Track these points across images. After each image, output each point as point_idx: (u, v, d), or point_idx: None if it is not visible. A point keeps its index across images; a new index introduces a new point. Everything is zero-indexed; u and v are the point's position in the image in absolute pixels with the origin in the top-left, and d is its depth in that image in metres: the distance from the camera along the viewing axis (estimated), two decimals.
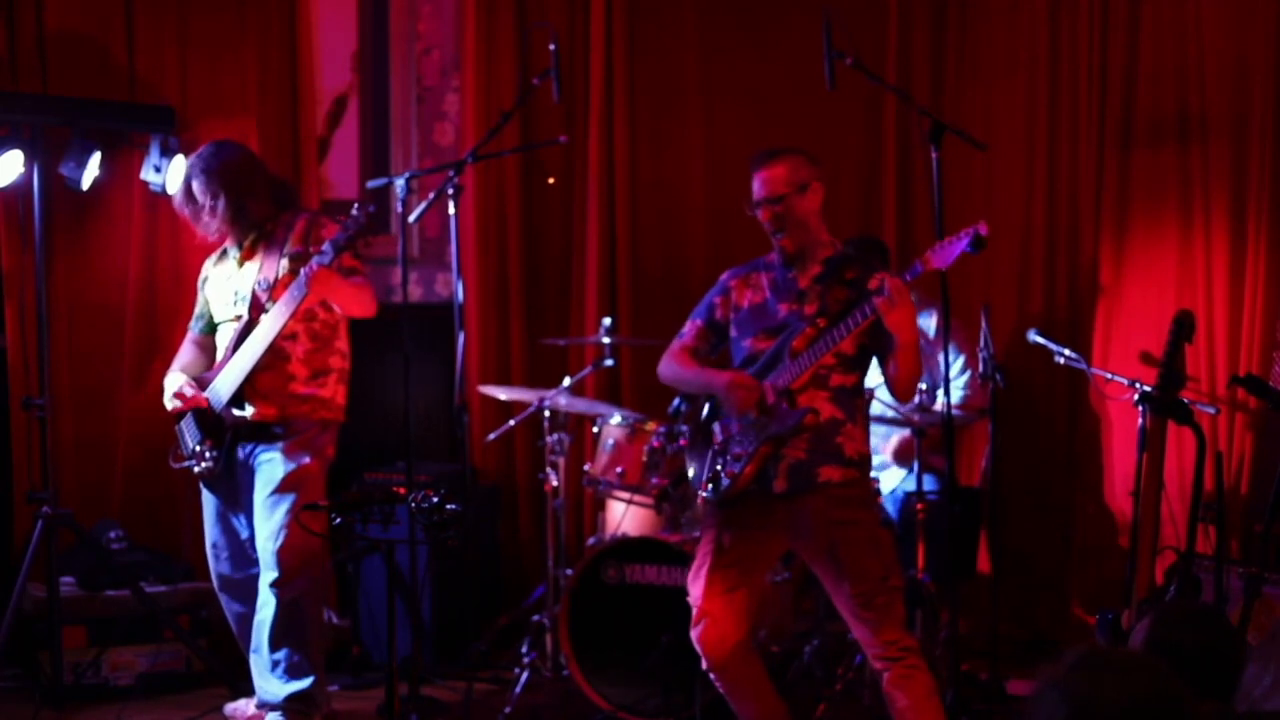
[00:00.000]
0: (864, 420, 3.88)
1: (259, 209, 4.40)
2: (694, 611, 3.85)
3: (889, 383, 3.79)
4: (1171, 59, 5.23)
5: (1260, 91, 5.00)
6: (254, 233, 4.42)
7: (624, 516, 4.95)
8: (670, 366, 4.03)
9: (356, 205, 4.16)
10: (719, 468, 3.83)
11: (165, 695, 4.87)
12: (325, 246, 4.13)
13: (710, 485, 3.86)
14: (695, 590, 3.85)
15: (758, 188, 3.86)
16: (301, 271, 4.16)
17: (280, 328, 4.23)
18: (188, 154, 5.13)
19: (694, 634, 3.85)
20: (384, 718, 4.44)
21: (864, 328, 3.66)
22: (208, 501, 4.51)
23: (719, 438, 3.87)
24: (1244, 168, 5.05)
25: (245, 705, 4.57)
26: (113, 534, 5.07)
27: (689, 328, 4.04)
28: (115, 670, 4.88)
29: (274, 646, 4.33)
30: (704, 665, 3.86)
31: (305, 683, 4.34)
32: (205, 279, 4.58)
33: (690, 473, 4.01)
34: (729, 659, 3.82)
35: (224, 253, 4.53)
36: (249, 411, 4.32)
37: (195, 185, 4.39)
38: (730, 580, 3.81)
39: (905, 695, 3.69)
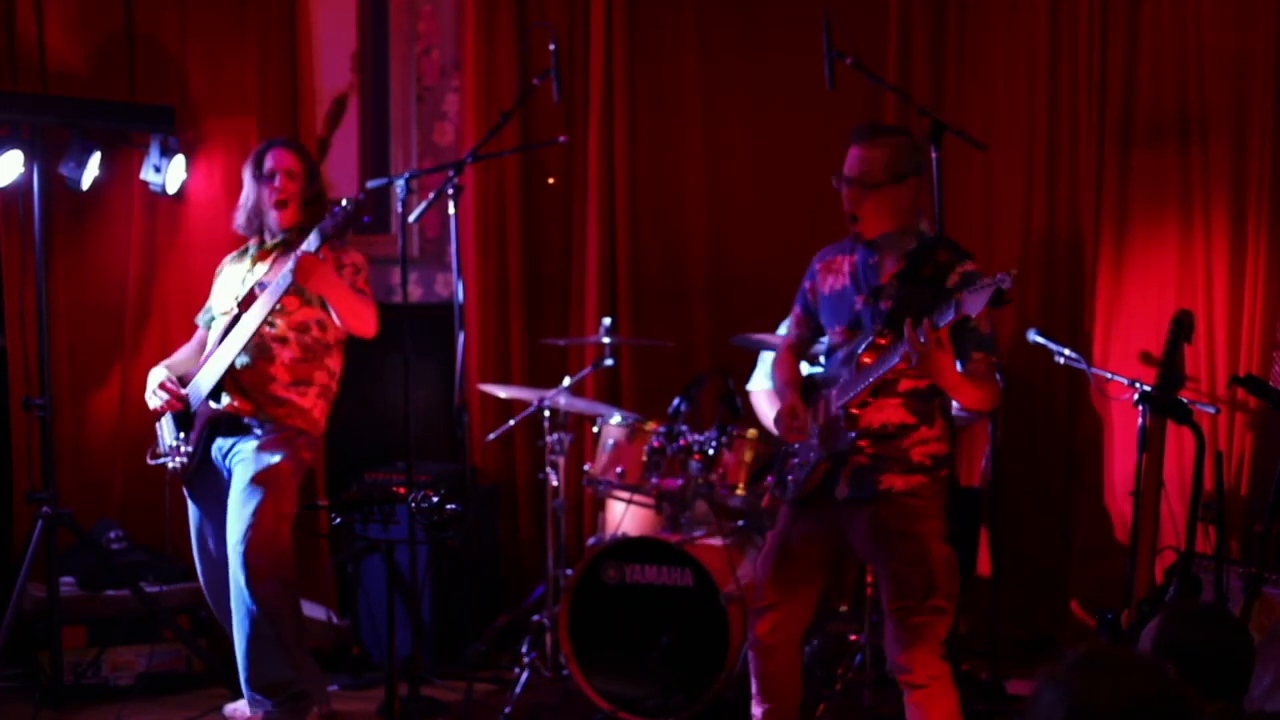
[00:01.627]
0: (944, 418, 3.72)
1: (321, 205, 4.40)
2: (756, 599, 3.84)
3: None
4: (1171, 59, 5.23)
5: (1260, 91, 5.00)
6: (281, 237, 4.41)
7: (624, 516, 4.95)
8: (775, 366, 3.98)
9: (346, 198, 4.16)
10: (787, 469, 3.83)
11: (165, 695, 4.87)
12: (312, 234, 4.10)
13: (779, 485, 3.86)
14: (760, 575, 3.85)
15: (850, 164, 3.69)
16: (290, 258, 4.13)
17: (264, 314, 4.19)
18: (188, 154, 5.15)
19: (752, 615, 3.85)
20: (384, 718, 4.44)
21: None
22: (191, 511, 4.50)
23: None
24: (1244, 168, 5.05)
25: (245, 705, 4.57)
26: (113, 534, 5.07)
27: (791, 317, 3.98)
28: (115, 670, 4.88)
29: (247, 653, 4.27)
30: (751, 640, 3.85)
31: (282, 690, 4.27)
32: (220, 271, 4.57)
33: (774, 469, 3.96)
34: (779, 646, 3.81)
35: (244, 252, 4.53)
36: (224, 402, 4.29)
37: (282, 151, 4.39)
38: (794, 574, 3.80)
39: (923, 716, 3.65)
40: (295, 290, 4.24)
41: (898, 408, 3.65)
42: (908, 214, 3.71)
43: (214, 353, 4.35)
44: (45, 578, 4.72)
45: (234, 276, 4.48)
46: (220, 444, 4.37)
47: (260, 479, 4.25)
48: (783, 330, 4.00)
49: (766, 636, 3.81)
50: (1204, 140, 5.15)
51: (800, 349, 3.97)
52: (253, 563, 4.20)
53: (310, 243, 4.11)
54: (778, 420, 3.81)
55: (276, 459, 4.28)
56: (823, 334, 3.92)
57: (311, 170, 4.45)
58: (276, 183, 4.37)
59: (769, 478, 3.95)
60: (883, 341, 3.60)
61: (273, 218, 4.41)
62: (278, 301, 4.20)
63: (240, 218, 4.48)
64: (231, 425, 4.33)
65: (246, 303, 4.32)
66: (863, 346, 3.64)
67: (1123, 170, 5.37)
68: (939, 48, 5.78)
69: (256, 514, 4.22)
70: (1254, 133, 5.02)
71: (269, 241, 4.45)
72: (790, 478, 3.80)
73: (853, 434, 3.64)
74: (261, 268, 4.40)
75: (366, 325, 4.33)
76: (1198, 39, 5.13)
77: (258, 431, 4.31)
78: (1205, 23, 5.12)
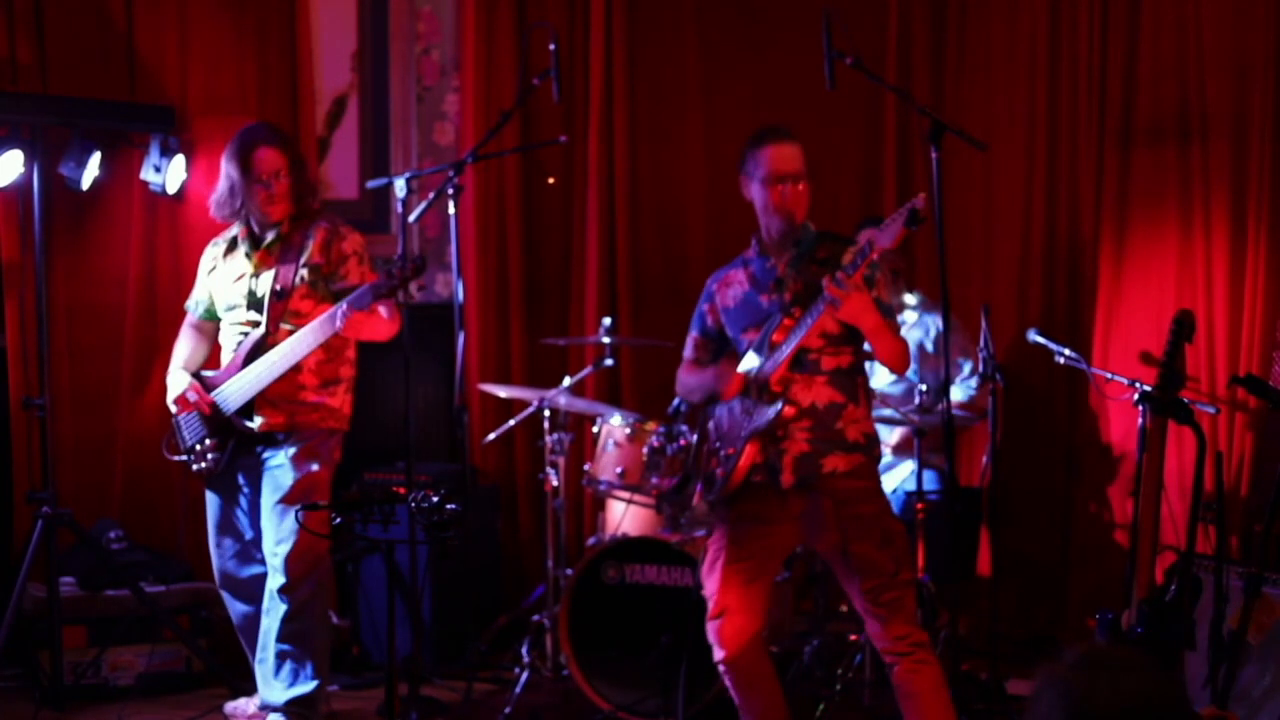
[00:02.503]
0: (866, 398, 3.86)
1: (310, 198, 4.39)
2: (710, 605, 3.86)
3: (875, 357, 3.79)
4: (1171, 59, 5.23)
5: (1260, 91, 5.00)
6: (273, 233, 4.39)
7: (624, 516, 4.95)
8: (680, 383, 4.09)
9: (402, 255, 4.15)
10: (713, 468, 3.86)
11: (165, 695, 4.87)
12: (365, 291, 4.09)
13: (705, 485, 3.89)
14: (711, 584, 3.86)
15: (785, 162, 3.81)
16: (338, 312, 4.13)
17: (305, 354, 4.23)
18: (188, 154, 5.15)
19: (710, 627, 3.86)
20: (384, 718, 4.44)
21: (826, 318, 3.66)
22: (211, 500, 4.50)
23: (712, 438, 3.91)
24: (1244, 168, 5.05)
25: (245, 705, 4.58)
26: (113, 534, 5.07)
27: (688, 341, 4.08)
28: (115, 670, 4.88)
29: (279, 652, 4.33)
30: (717, 657, 3.87)
31: (309, 687, 4.34)
32: (213, 268, 4.52)
33: (691, 474, 4.03)
34: (744, 651, 3.83)
35: (233, 243, 4.48)
36: (257, 423, 4.31)
37: (268, 151, 4.32)
38: (746, 574, 3.82)
39: (914, 687, 3.72)
40: (309, 289, 4.27)
41: (824, 385, 3.76)
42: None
43: (240, 368, 4.32)
44: (45, 578, 4.72)
45: (233, 273, 4.45)
46: (250, 450, 4.38)
47: (299, 489, 4.29)
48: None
49: (729, 645, 3.82)
50: (1204, 140, 5.15)
51: (700, 367, 4.03)
52: (293, 570, 4.29)
53: (362, 298, 4.09)
54: (718, 384, 3.84)
55: (315, 467, 4.33)
56: (720, 355, 3.99)
57: (297, 163, 4.41)
58: (271, 189, 4.33)
59: (697, 484, 3.98)
60: (790, 321, 3.74)
61: (264, 214, 4.38)
62: (319, 345, 4.21)
63: (222, 211, 4.43)
64: (265, 438, 4.35)
65: (274, 317, 4.30)
66: (773, 328, 3.77)
67: (1123, 170, 5.37)
68: (939, 48, 5.79)
69: (298, 523, 4.23)
70: (1254, 133, 5.02)
71: (258, 233, 4.40)
72: (717, 471, 3.83)
73: (777, 406, 3.70)
74: (268, 274, 4.36)
75: (397, 328, 4.37)
76: (1198, 39, 5.13)
77: (287, 438, 4.34)
78: (1205, 23, 5.12)
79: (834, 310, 3.58)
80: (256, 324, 4.35)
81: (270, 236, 4.39)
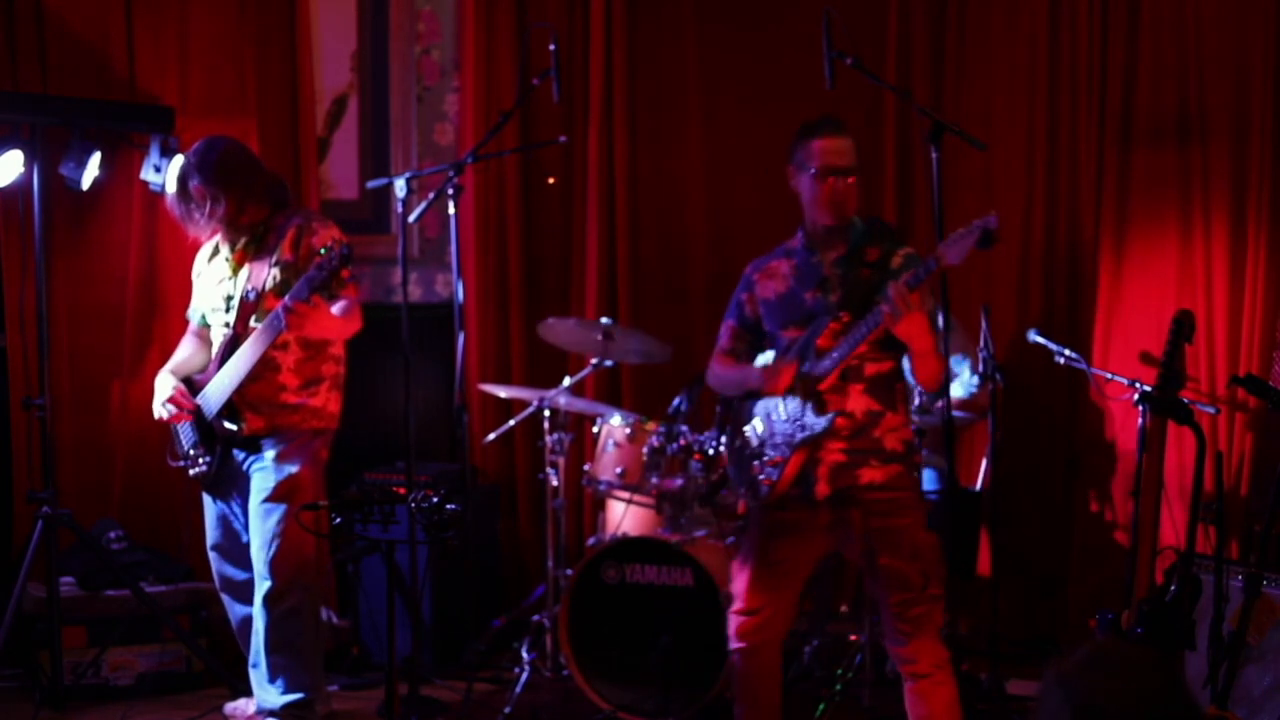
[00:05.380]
0: (905, 405, 3.78)
1: (257, 209, 4.35)
2: (736, 600, 3.84)
3: (912, 377, 3.76)
4: (1171, 59, 5.22)
5: (1260, 91, 5.00)
6: (247, 235, 4.37)
7: (624, 516, 4.95)
8: (713, 374, 4.00)
9: (332, 242, 4.13)
10: (756, 473, 3.80)
11: (165, 695, 4.87)
12: (301, 284, 4.03)
13: (749, 490, 3.84)
14: (739, 582, 3.84)
15: (836, 155, 3.72)
16: (278, 308, 4.09)
17: (257, 358, 4.19)
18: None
19: (732, 618, 3.84)
20: (384, 718, 4.44)
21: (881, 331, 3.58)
22: (208, 505, 4.50)
23: (754, 442, 3.83)
24: (1244, 168, 5.05)
25: (245, 705, 4.58)
26: (113, 534, 5.07)
27: (723, 330, 3.99)
28: (115, 670, 4.88)
29: (271, 658, 4.33)
30: (732, 645, 3.85)
31: (303, 692, 4.34)
32: (198, 274, 4.54)
33: (730, 475, 3.97)
34: (760, 648, 3.82)
35: (216, 248, 4.48)
36: (238, 426, 4.30)
37: (193, 183, 4.29)
38: (775, 580, 3.79)
39: (926, 708, 3.67)
40: (283, 288, 4.22)
41: (862, 394, 3.69)
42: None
43: (219, 367, 4.32)
44: (45, 578, 4.72)
45: (215, 276, 4.45)
46: (239, 454, 4.38)
47: (282, 490, 4.28)
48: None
49: (748, 639, 3.81)
50: (1204, 140, 5.15)
51: (735, 357, 3.97)
52: (278, 573, 4.27)
53: (299, 292, 4.03)
54: (763, 384, 3.76)
55: (296, 468, 4.30)
56: (757, 346, 3.95)
57: (229, 181, 4.27)
58: (213, 219, 4.30)
59: (740, 488, 3.93)
60: (837, 326, 3.67)
61: (226, 230, 4.38)
62: (269, 346, 4.18)
63: (200, 233, 4.41)
64: (246, 439, 4.33)
65: (242, 317, 4.30)
66: (819, 332, 3.69)
67: (1123, 170, 5.37)
68: (939, 48, 5.78)
69: (280, 525, 4.26)
70: (1254, 133, 5.02)
71: (236, 239, 4.38)
72: (761, 478, 3.78)
73: (830, 416, 3.65)
74: (243, 274, 4.35)
75: (354, 330, 4.34)
76: (1198, 39, 5.13)
77: (270, 441, 4.32)
78: (1205, 23, 5.12)
79: (894, 320, 3.48)
80: (229, 327, 4.35)
81: (245, 239, 4.38)
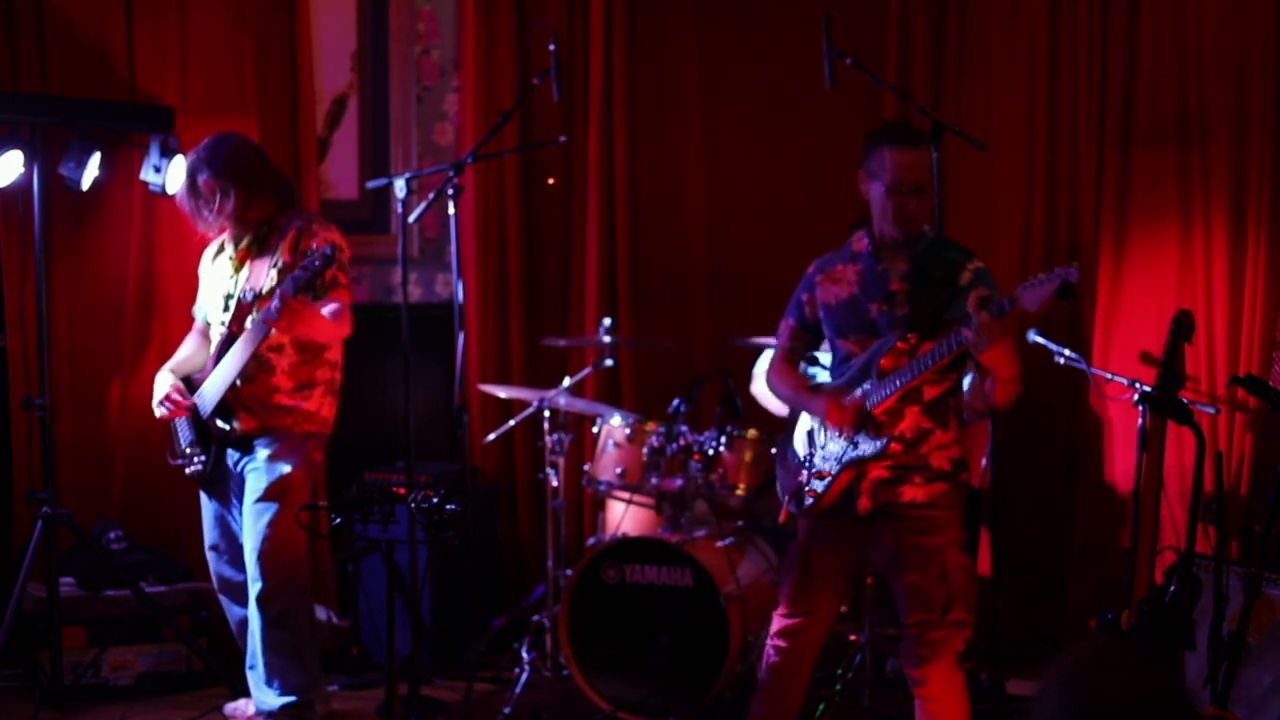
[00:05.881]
0: (956, 421, 3.71)
1: (264, 206, 4.35)
2: (780, 601, 3.84)
3: (985, 397, 3.73)
4: (1171, 59, 5.22)
5: (1260, 91, 5.00)
6: (252, 233, 4.37)
7: (624, 516, 4.95)
8: (774, 379, 3.94)
9: (316, 245, 4.14)
10: (803, 483, 3.79)
11: (165, 695, 4.87)
12: (287, 283, 4.03)
13: (794, 500, 3.82)
14: (784, 589, 3.84)
15: (911, 171, 3.62)
16: (261, 311, 4.11)
17: (248, 357, 4.19)
18: (188, 154, 5.14)
19: (776, 617, 3.84)
20: (384, 718, 4.44)
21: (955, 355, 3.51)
22: (206, 505, 4.51)
23: (803, 452, 3.81)
24: (1244, 168, 5.05)
25: (245, 705, 4.58)
26: (113, 534, 5.07)
27: (783, 328, 3.92)
28: (115, 670, 4.88)
29: (267, 660, 4.33)
30: (770, 640, 3.85)
31: (301, 694, 4.34)
32: (204, 272, 4.55)
33: (778, 483, 3.95)
34: (797, 649, 3.82)
35: (222, 246, 4.49)
36: (232, 425, 4.30)
37: (201, 178, 4.31)
38: (815, 587, 3.80)
39: (931, 712, 3.66)
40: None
41: (918, 415, 3.63)
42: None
43: (215, 366, 4.33)
44: (45, 578, 4.72)
45: (218, 275, 4.46)
46: (232, 455, 4.38)
47: (273, 490, 4.27)
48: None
49: (788, 639, 3.82)
50: (1204, 141, 5.14)
51: (794, 360, 3.92)
52: (269, 572, 4.27)
53: (285, 291, 4.03)
54: (825, 419, 3.69)
55: (288, 469, 4.30)
56: (817, 345, 3.90)
57: (238, 176, 4.29)
58: (221, 215, 4.31)
59: (785, 496, 3.91)
60: (904, 346, 3.59)
61: (217, 232, 4.40)
62: (256, 349, 4.18)
63: (200, 226, 4.41)
64: (240, 440, 4.33)
65: (238, 317, 4.30)
66: (883, 352, 3.61)
67: (1123, 171, 5.37)
68: (939, 48, 5.79)
69: (271, 525, 4.26)
70: (1254, 133, 5.01)
71: (242, 237, 4.39)
72: (807, 489, 3.76)
73: (885, 440, 3.59)
74: (243, 273, 4.36)
75: (343, 333, 4.32)
76: (1197, 39, 5.13)
77: (264, 442, 4.31)
78: (1205, 23, 5.11)
79: (980, 348, 3.37)
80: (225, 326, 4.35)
81: (249, 237, 4.38)
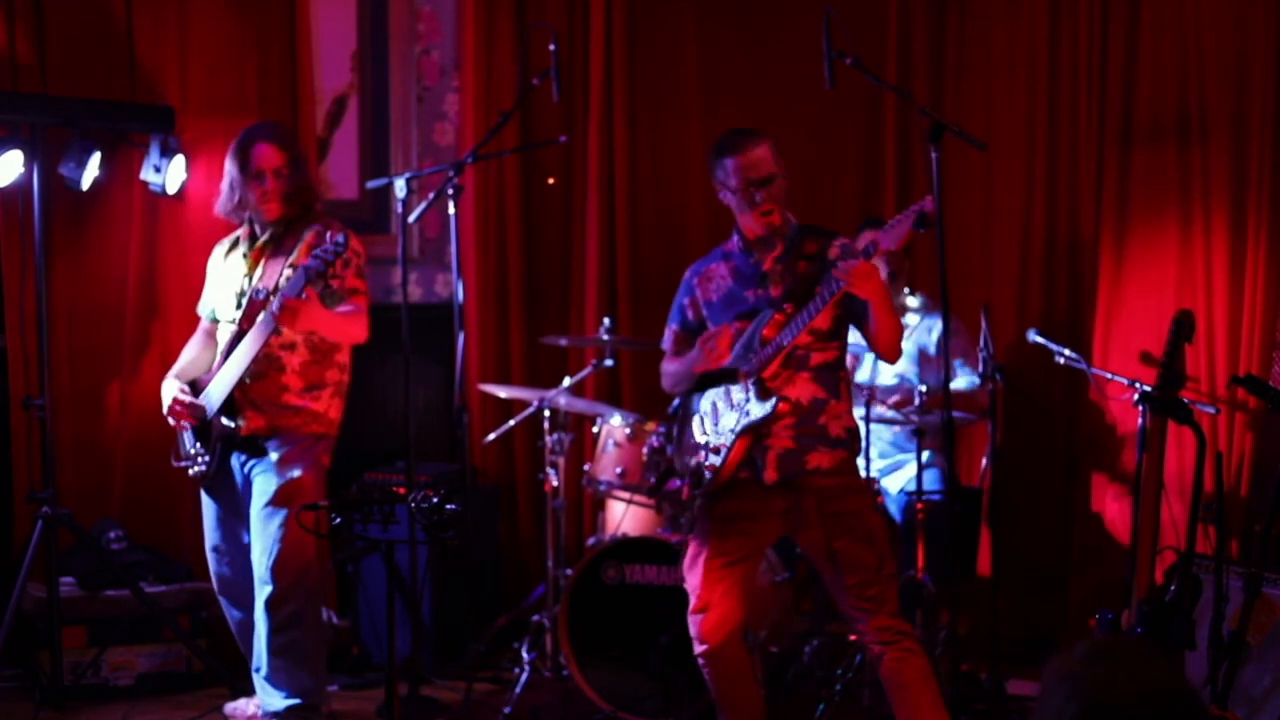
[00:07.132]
0: (848, 393, 3.90)
1: (292, 202, 4.34)
2: (692, 600, 3.89)
3: (871, 344, 3.81)
4: (1171, 59, 5.23)
5: (1260, 91, 5.00)
6: (269, 230, 4.36)
7: (624, 516, 4.95)
8: (666, 374, 4.09)
9: (329, 234, 4.13)
10: (700, 462, 3.87)
11: (165, 695, 4.87)
12: (297, 277, 4.02)
13: (693, 480, 3.90)
14: (692, 580, 3.90)
15: (754, 168, 3.80)
16: (271, 303, 4.09)
17: (256, 352, 4.17)
18: (188, 154, 5.15)
19: (692, 620, 3.90)
20: (384, 718, 4.44)
21: (836, 300, 3.67)
22: (207, 506, 4.49)
23: (700, 433, 3.92)
24: (1244, 168, 5.05)
25: (245, 705, 4.58)
26: (113, 534, 5.07)
27: (668, 335, 4.09)
28: (115, 670, 4.88)
29: (273, 662, 4.31)
30: (698, 650, 3.91)
31: (307, 695, 4.33)
32: (213, 268, 4.52)
33: (676, 467, 4.05)
34: (724, 644, 3.88)
35: (235, 243, 4.47)
36: (239, 423, 4.28)
37: (267, 147, 4.28)
38: (728, 570, 3.86)
39: (902, 678, 3.77)
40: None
41: (808, 382, 3.79)
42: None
43: (223, 364, 4.31)
44: (45, 578, 4.72)
45: (230, 273, 4.44)
46: (239, 457, 4.35)
47: (283, 494, 4.25)
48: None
49: (711, 637, 3.86)
50: (1204, 140, 5.15)
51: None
52: (280, 577, 4.26)
53: (293, 285, 4.02)
54: (700, 357, 3.83)
55: (297, 473, 4.27)
56: None
57: (296, 161, 4.35)
58: (266, 184, 4.29)
59: (673, 481, 4.03)
60: (781, 317, 3.76)
61: (260, 211, 4.36)
62: (264, 344, 4.16)
63: (224, 208, 4.41)
64: (246, 441, 4.31)
65: (249, 315, 4.27)
66: (764, 324, 3.78)
67: (1123, 170, 5.37)
68: (939, 48, 5.79)
69: (282, 530, 4.24)
70: (1254, 133, 5.02)
71: (259, 235, 4.39)
72: (705, 465, 3.85)
73: (773, 401, 3.72)
74: (257, 272, 4.35)
75: (357, 337, 4.32)
76: (1197, 39, 5.13)
77: (272, 444, 4.29)
78: (1205, 23, 5.12)
79: (851, 282, 3.55)
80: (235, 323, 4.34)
81: (265, 236, 4.38)
